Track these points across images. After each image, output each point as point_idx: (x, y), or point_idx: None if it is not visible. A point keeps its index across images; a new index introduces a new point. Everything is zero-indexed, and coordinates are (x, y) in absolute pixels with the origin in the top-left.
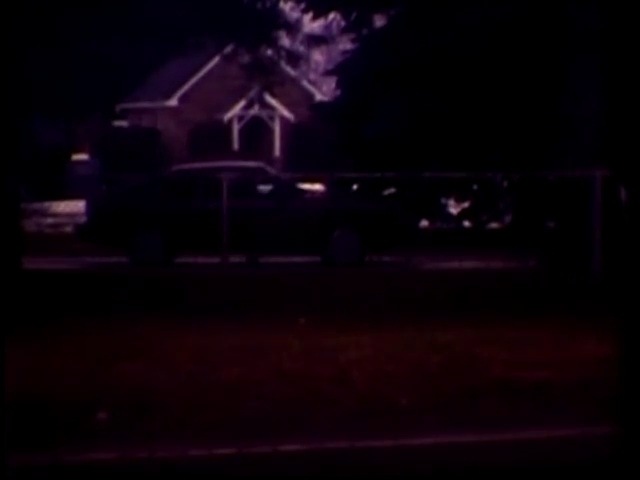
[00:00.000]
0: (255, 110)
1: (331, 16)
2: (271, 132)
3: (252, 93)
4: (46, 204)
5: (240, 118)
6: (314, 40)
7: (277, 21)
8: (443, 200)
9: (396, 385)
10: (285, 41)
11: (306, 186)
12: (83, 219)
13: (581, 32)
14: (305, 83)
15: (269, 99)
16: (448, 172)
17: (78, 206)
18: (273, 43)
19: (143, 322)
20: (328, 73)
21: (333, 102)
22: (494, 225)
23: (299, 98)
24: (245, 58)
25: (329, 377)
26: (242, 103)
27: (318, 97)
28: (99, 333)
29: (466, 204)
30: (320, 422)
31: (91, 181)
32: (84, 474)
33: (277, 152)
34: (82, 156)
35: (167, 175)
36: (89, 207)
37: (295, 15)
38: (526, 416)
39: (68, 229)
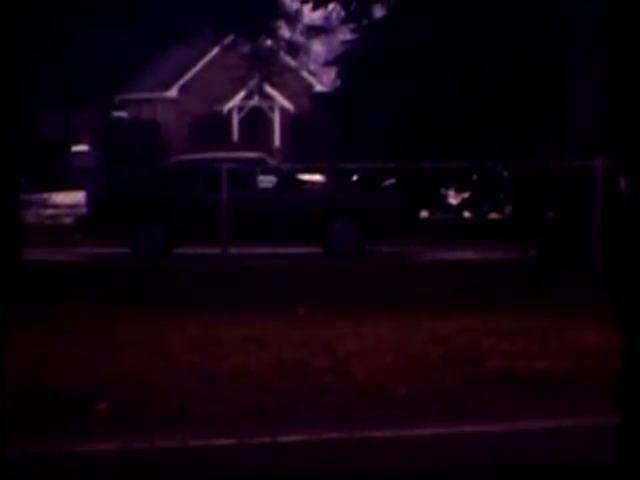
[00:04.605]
0: (255, 101)
1: (331, 6)
2: (271, 123)
3: (252, 84)
4: (46, 195)
5: (240, 109)
6: (314, 30)
7: (277, 11)
8: (443, 190)
9: (396, 375)
10: (285, 31)
11: (306, 177)
12: (83, 210)
13: (583, 19)
14: (305, 74)
15: (269, 90)
16: (448, 162)
17: (78, 197)
18: (273, 33)
19: (143, 313)
20: (328, 63)
21: (333, 92)
22: (494, 215)
23: (299, 89)
24: (245, 48)
25: (329, 367)
26: (242, 94)
27: (318, 88)
28: (99, 324)
29: (466, 194)
30: (320, 412)
31: (91, 172)
32: (84, 464)
33: (277, 143)
34: (82, 147)
35: (167, 166)
36: (89, 198)
37: (295, 5)
38: (527, 406)
39: (68, 220)
